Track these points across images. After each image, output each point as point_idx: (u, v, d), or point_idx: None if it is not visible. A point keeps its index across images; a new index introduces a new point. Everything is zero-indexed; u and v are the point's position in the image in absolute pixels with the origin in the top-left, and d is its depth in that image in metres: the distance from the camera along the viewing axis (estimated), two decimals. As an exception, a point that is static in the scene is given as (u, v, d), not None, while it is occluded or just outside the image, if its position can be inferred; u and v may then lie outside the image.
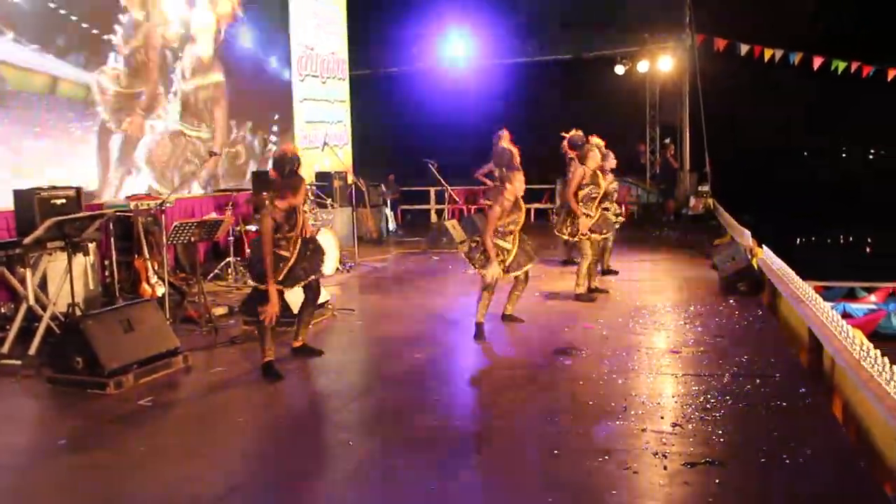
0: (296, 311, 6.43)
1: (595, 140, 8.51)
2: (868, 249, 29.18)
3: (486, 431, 4.41)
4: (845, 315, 10.89)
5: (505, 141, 8.65)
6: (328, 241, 10.11)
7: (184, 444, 4.40)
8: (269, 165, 5.87)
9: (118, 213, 8.07)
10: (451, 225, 13.05)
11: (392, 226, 15.85)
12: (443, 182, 13.47)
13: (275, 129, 12.95)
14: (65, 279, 6.34)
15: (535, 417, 4.60)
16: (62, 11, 8.49)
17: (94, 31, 8.95)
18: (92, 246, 7.25)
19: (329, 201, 12.13)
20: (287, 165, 5.69)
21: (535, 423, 4.51)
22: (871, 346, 4.19)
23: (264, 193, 5.88)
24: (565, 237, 8.33)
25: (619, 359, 5.81)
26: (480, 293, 6.60)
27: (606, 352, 6.01)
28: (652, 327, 6.84)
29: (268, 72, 12.93)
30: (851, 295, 12.82)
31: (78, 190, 7.26)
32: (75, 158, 8.68)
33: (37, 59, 8.16)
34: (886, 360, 3.91)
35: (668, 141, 18.24)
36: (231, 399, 5.23)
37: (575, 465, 3.85)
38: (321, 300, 7.41)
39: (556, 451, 4.03)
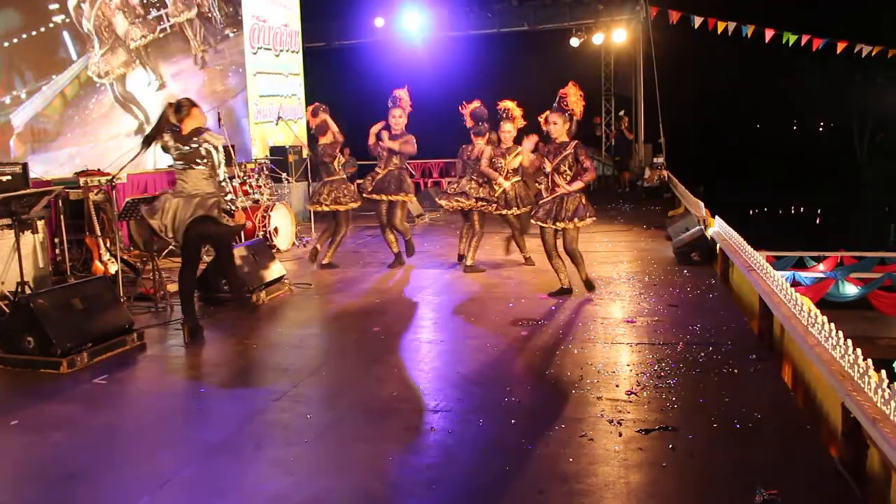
0: (254, 283, 7.05)
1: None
2: (817, 220, 29.83)
3: (443, 402, 4.44)
4: (795, 283, 11.15)
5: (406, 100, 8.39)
6: (283, 216, 10.05)
7: (139, 422, 4.36)
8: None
9: (67, 190, 7.89)
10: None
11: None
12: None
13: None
14: (13, 257, 6.20)
15: (491, 387, 4.64)
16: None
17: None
18: (41, 223, 7.09)
19: (284, 176, 12.03)
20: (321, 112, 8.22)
21: (492, 392, 4.55)
22: (819, 312, 4.30)
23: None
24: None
25: (575, 329, 5.88)
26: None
27: (562, 322, 6.08)
28: (608, 298, 6.92)
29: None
30: (801, 264, 13.12)
31: (24, 166, 7.09)
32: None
33: None
34: (833, 326, 4.01)
35: (622, 113, 18.38)
36: (187, 376, 5.19)
37: (532, 433, 3.90)
38: (277, 275, 7.39)
39: (512, 421, 4.08)
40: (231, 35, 12.85)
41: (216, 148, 5.76)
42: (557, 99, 6.80)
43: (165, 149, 5.76)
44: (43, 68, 9.04)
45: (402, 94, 8.39)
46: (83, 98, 9.71)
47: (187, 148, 5.67)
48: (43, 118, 9.10)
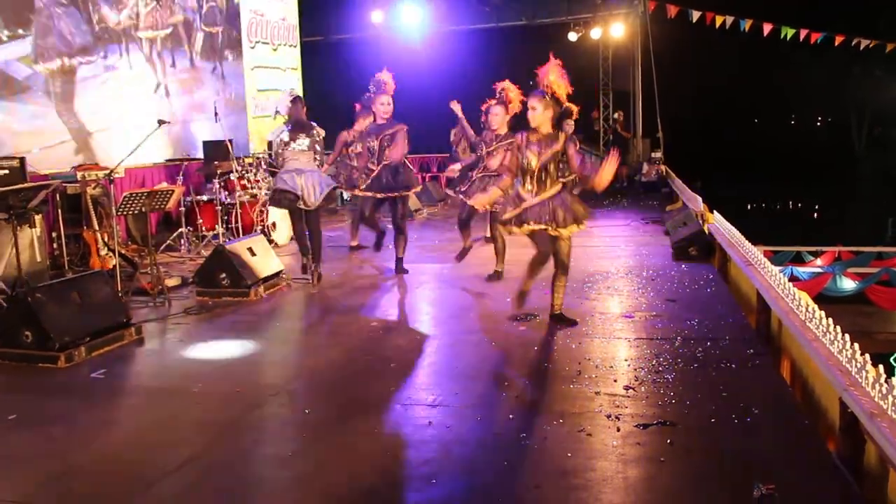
0: (260, 275, 7.16)
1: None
2: (815, 215, 29.87)
3: (441, 397, 4.44)
4: (793, 278, 11.18)
5: (391, 85, 7.63)
6: (281, 212, 10.01)
7: (138, 417, 4.36)
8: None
9: (65, 184, 7.88)
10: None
11: (347, 195, 15.74)
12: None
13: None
14: (10, 252, 6.19)
15: (489, 382, 4.65)
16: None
17: None
18: (38, 218, 7.07)
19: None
20: (366, 102, 8.14)
21: (490, 387, 4.55)
22: (817, 307, 4.30)
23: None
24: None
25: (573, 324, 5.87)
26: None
27: (561, 317, 6.06)
28: (605, 293, 6.92)
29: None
30: (799, 259, 13.16)
31: (22, 160, 7.07)
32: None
33: None
34: (831, 321, 4.01)
35: (617, 116, 18.36)
36: (185, 370, 5.18)
37: (530, 428, 3.90)
38: (275, 270, 7.39)
39: (510, 416, 4.08)
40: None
41: (321, 136, 7.30)
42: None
43: (287, 136, 7.14)
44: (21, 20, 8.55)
45: (387, 77, 7.56)
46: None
47: (304, 135, 7.15)
48: (14, 67, 8.49)
